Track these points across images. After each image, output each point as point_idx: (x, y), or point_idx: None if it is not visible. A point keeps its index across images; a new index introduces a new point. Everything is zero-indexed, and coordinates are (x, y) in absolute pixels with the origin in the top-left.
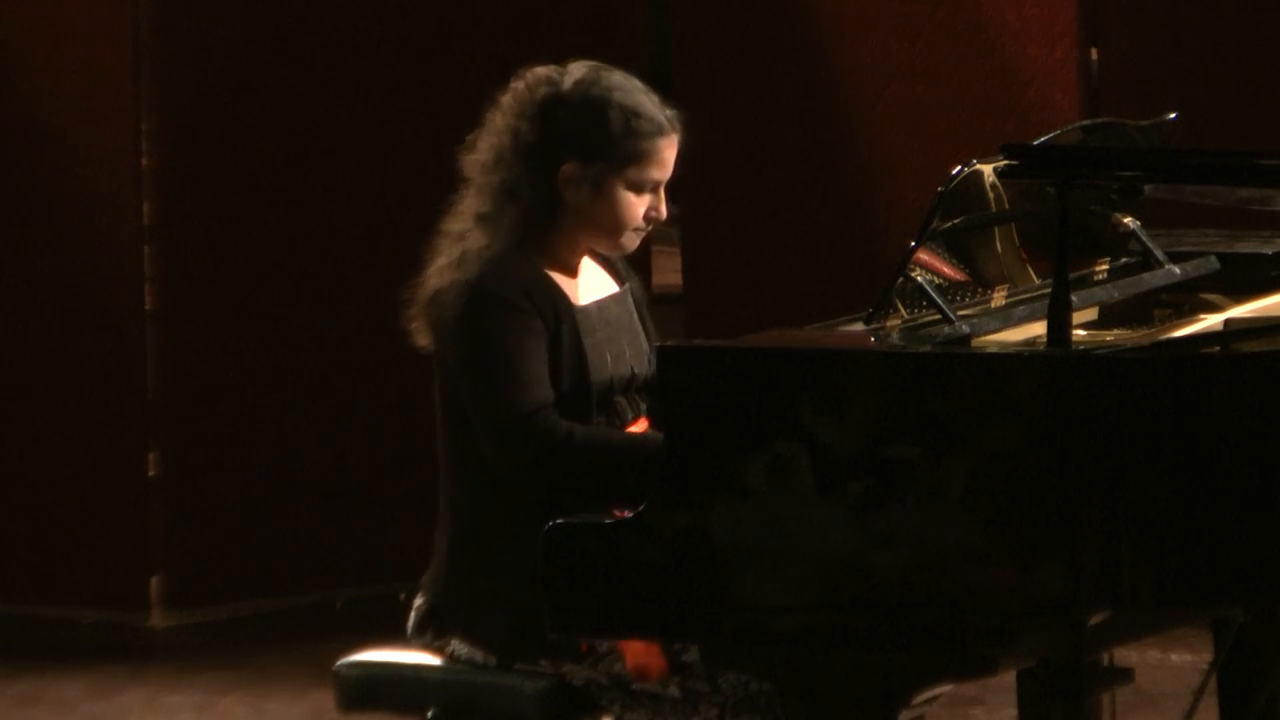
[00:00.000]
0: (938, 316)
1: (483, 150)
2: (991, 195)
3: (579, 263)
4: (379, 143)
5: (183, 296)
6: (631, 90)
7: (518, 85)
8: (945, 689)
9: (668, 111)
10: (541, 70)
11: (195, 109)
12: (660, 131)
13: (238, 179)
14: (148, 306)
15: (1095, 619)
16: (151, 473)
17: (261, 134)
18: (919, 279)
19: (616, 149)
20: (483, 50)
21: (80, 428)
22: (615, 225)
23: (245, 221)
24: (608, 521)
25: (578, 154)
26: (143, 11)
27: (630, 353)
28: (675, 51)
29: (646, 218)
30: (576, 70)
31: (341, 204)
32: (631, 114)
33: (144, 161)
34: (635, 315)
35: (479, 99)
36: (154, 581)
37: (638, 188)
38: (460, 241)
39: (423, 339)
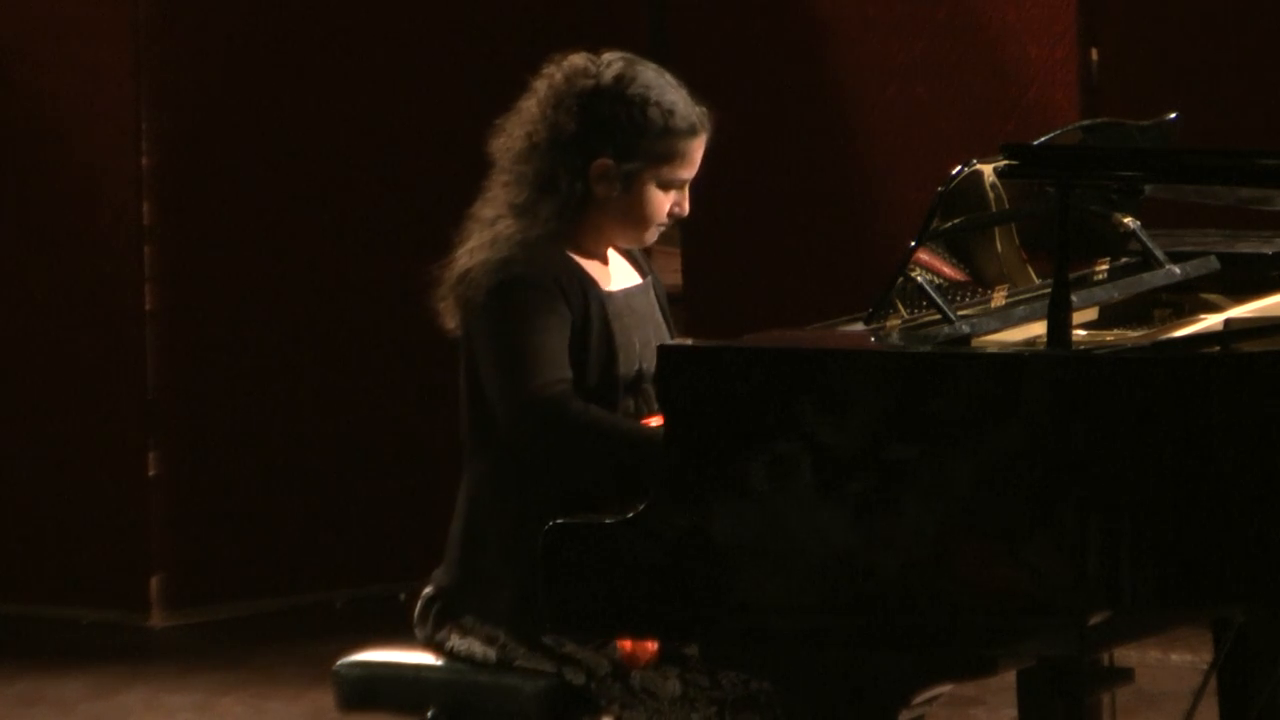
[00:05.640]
0: (938, 316)
1: (516, 138)
2: (991, 195)
3: (605, 252)
4: (379, 142)
5: (183, 296)
6: (666, 88)
7: (554, 75)
8: (945, 689)
9: (699, 109)
10: (578, 60)
11: (195, 109)
12: (694, 132)
13: (238, 179)
14: (148, 306)
15: (1095, 619)
16: (151, 473)
17: (261, 134)
18: (919, 279)
19: (652, 148)
20: (482, 50)
21: (80, 428)
22: (642, 221)
23: (245, 221)
24: (608, 521)
25: (612, 150)
26: (143, 11)
27: (657, 343)
28: (675, 51)
29: (670, 213)
30: (614, 64)
31: (342, 203)
32: (668, 113)
33: (144, 161)
34: (657, 308)
35: (478, 99)
36: (154, 581)
37: (667, 186)
38: (492, 227)
39: (450, 320)
